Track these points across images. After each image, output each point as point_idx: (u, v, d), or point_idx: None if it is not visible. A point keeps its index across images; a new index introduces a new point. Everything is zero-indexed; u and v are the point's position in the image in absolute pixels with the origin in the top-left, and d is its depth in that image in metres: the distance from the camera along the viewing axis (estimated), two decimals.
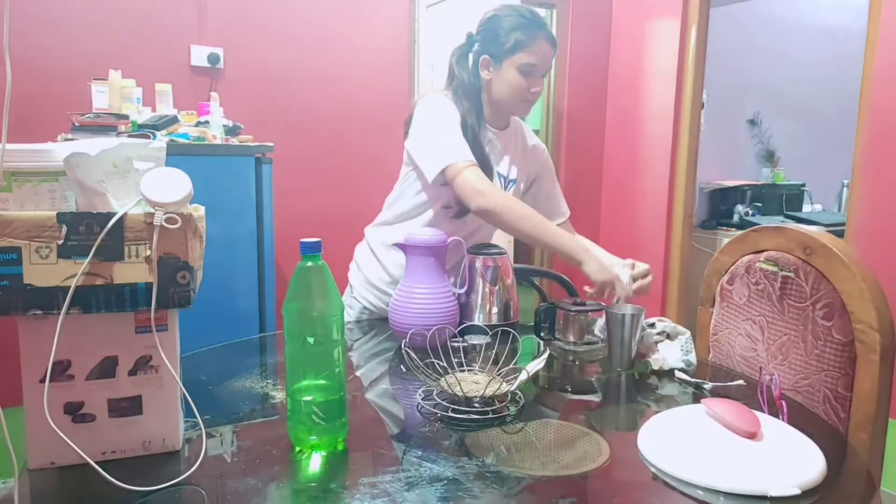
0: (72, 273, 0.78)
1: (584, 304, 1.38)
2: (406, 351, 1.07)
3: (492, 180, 1.51)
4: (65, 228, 0.78)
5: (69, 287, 0.78)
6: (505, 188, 1.60)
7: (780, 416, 0.97)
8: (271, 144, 2.53)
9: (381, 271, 1.60)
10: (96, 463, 0.80)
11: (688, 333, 1.31)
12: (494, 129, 1.59)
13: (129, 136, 2.21)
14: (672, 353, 1.24)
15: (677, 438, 0.90)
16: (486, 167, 1.49)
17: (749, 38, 4.21)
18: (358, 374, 1.27)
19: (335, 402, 0.90)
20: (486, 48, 1.52)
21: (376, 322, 1.60)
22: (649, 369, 1.25)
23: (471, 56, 1.55)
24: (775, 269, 1.29)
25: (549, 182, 1.74)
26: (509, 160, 1.62)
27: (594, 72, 3.90)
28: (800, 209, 4.30)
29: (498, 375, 1.06)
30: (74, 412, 0.84)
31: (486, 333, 1.37)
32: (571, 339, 1.36)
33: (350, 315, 1.64)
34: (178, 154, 1.48)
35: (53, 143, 0.87)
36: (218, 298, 1.64)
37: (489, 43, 1.52)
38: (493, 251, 1.49)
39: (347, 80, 3.21)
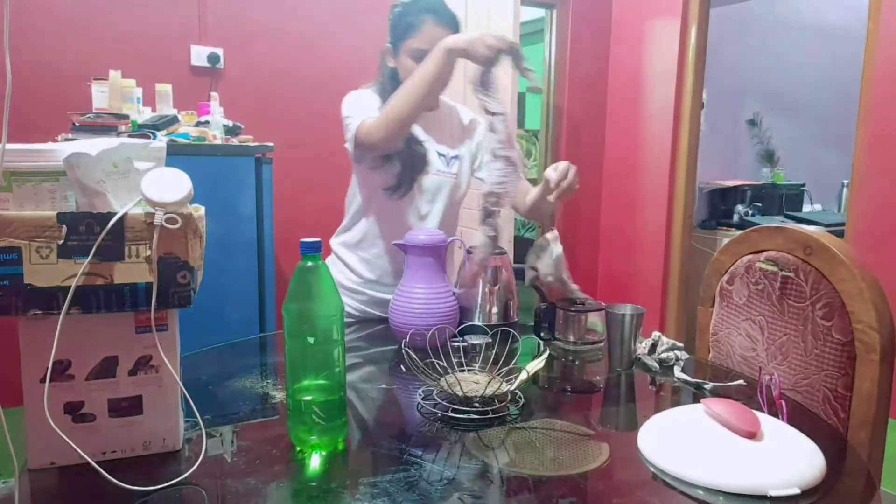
0: (72, 273, 0.78)
1: (583, 304, 1.38)
2: (406, 351, 1.07)
3: (425, 158, 1.56)
4: (65, 228, 0.78)
5: (69, 287, 0.78)
6: (448, 165, 1.63)
7: (780, 416, 0.97)
8: (271, 144, 2.53)
9: (350, 272, 1.64)
10: (96, 463, 0.80)
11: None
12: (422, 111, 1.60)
13: (130, 136, 2.21)
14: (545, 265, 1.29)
15: (677, 438, 0.90)
16: (413, 147, 1.53)
17: (749, 38, 4.21)
18: (358, 374, 1.27)
19: (335, 402, 0.90)
20: (390, 35, 1.55)
21: (375, 322, 1.60)
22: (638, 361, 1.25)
23: None
24: (775, 269, 1.29)
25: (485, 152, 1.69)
26: (445, 137, 1.64)
27: (594, 72, 3.90)
28: (800, 209, 4.30)
29: (498, 375, 1.06)
30: (74, 412, 0.84)
31: (486, 333, 1.37)
32: (571, 339, 1.36)
33: None
34: (178, 154, 1.48)
35: (53, 143, 0.87)
36: (218, 298, 1.64)
37: (391, 32, 1.55)
38: (492, 251, 1.48)
39: (347, 80, 3.20)
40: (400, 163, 1.53)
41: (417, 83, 1.40)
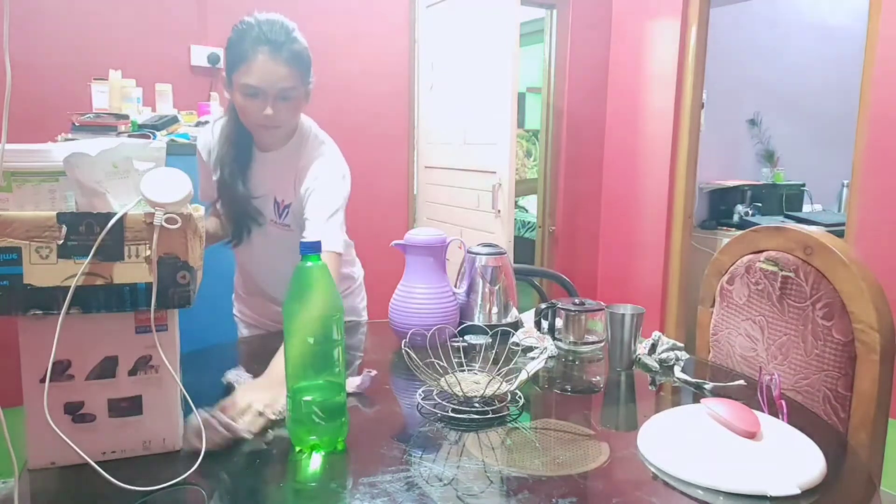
0: (72, 273, 0.78)
1: (583, 304, 1.38)
2: (406, 351, 1.07)
3: (254, 211, 1.41)
4: (65, 228, 0.78)
5: (69, 287, 0.78)
6: (280, 214, 1.43)
7: (780, 416, 0.97)
8: None
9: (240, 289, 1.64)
10: (96, 463, 0.80)
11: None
12: (262, 151, 1.42)
13: (129, 136, 2.21)
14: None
15: (677, 438, 0.90)
16: (241, 219, 1.42)
17: (749, 38, 4.21)
18: (358, 374, 1.27)
19: (335, 402, 0.90)
20: (225, 63, 1.34)
21: (375, 322, 1.60)
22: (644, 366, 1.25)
23: None
24: (775, 269, 1.29)
25: (311, 199, 1.35)
26: (284, 183, 1.42)
27: (594, 72, 3.90)
28: (800, 209, 4.30)
29: (498, 375, 1.06)
30: (74, 412, 0.84)
31: (486, 333, 1.37)
32: (571, 339, 1.36)
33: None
34: (178, 154, 1.47)
35: (53, 143, 0.87)
36: (218, 298, 1.64)
37: (226, 56, 1.32)
38: (493, 251, 1.49)
39: (347, 81, 3.21)
40: (229, 213, 1.44)
41: None
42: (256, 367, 1.13)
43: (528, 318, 1.50)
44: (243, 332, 1.66)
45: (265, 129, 1.35)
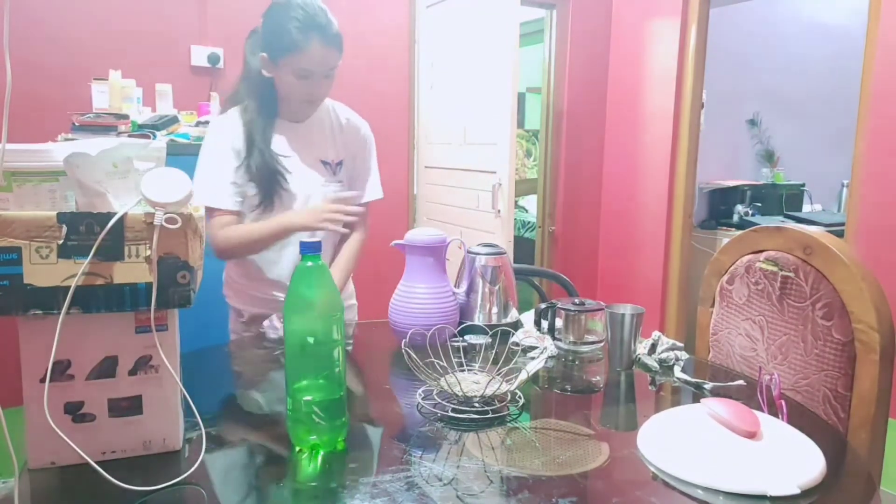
0: (72, 273, 0.78)
1: (583, 304, 1.38)
2: (406, 351, 1.07)
3: (279, 186, 1.49)
4: (65, 228, 0.78)
5: (69, 287, 0.78)
6: (334, 172, 1.58)
7: (780, 416, 0.97)
8: None
9: (238, 284, 1.62)
10: (96, 463, 0.80)
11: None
12: (292, 122, 1.54)
13: (130, 136, 2.21)
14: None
15: (677, 438, 0.90)
16: (270, 179, 1.47)
17: (749, 38, 4.21)
18: (358, 373, 1.27)
19: (335, 402, 0.90)
20: (265, 44, 1.44)
21: (375, 322, 1.60)
22: (640, 365, 1.25)
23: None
24: (775, 268, 1.29)
25: (361, 161, 1.65)
26: (327, 144, 1.58)
27: (594, 72, 3.90)
28: (800, 209, 4.30)
29: (498, 375, 1.06)
30: (74, 412, 0.84)
31: (486, 333, 1.37)
32: (571, 339, 1.36)
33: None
34: (178, 154, 1.47)
35: (53, 143, 0.87)
36: (218, 298, 1.64)
37: (267, 38, 1.43)
38: (492, 251, 1.49)
39: (347, 80, 3.20)
40: (262, 181, 1.47)
41: (257, 241, 1.45)
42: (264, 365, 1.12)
43: (528, 318, 1.50)
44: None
45: (310, 103, 1.51)
